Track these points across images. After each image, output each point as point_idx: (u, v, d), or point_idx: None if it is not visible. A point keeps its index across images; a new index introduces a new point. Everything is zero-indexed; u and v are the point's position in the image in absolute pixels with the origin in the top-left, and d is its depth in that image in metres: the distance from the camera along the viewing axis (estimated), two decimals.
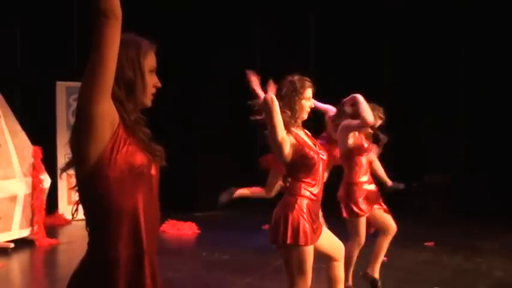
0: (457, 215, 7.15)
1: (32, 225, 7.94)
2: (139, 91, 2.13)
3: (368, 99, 5.08)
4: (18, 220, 7.72)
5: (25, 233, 7.88)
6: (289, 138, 3.83)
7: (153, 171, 2.12)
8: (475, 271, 7.04)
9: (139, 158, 2.06)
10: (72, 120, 9.93)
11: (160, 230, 3.82)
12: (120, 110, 2.06)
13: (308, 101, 3.96)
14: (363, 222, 5.33)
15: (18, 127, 8.11)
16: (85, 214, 2.07)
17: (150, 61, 2.16)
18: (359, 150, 5.34)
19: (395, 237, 5.57)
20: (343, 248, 4.23)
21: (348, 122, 5.21)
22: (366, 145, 5.39)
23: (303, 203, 3.84)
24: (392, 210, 5.63)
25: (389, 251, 5.67)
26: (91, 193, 2.03)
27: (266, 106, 3.71)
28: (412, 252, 7.19)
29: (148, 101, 2.17)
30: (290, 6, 11.00)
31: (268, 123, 3.76)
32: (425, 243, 7.83)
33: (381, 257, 5.64)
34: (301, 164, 3.86)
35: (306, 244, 3.78)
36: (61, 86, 10.09)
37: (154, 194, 2.13)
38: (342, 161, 5.46)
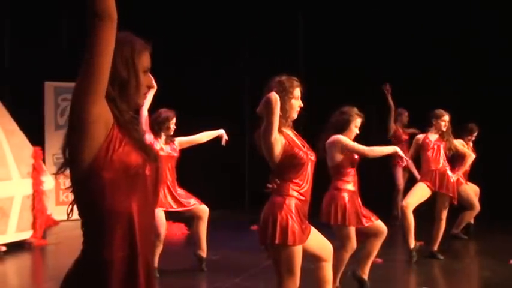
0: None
1: (33, 228, 7.67)
2: (133, 91, 2.11)
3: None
4: (15, 223, 7.46)
5: (24, 236, 7.60)
6: (280, 138, 3.82)
7: (148, 172, 2.09)
8: (463, 271, 7.08)
9: (135, 158, 2.04)
10: (60, 120, 9.89)
11: None
12: (114, 110, 2.04)
13: (297, 100, 3.94)
14: (352, 229, 5.33)
15: (15, 127, 7.81)
16: (80, 215, 2.06)
17: (144, 61, 2.14)
18: (350, 162, 5.34)
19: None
20: (331, 249, 4.22)
21: (341, 139, 5.22)
22: (356, 157, 5.39)
23: (291, 203, 3.84)
24: (382, 210, 5.62)
25: (378, 251, 5.66)
26: (86, 194, 2.01)
27: (269, 105, 3.67)
28: (401, 252, 7.20)
29: (141, 101, 2.16)
30: (279, 6, 11.00)
31: (265, 122, 3.72)
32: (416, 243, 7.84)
33: (372, 258, 5.63)
34: (290, 165, 3.85)
35: (295, 244, 3.77)
36: (49, 86, 10.05)
37: (149, 195, 2.11)
38: (330, 170, 5.43)
